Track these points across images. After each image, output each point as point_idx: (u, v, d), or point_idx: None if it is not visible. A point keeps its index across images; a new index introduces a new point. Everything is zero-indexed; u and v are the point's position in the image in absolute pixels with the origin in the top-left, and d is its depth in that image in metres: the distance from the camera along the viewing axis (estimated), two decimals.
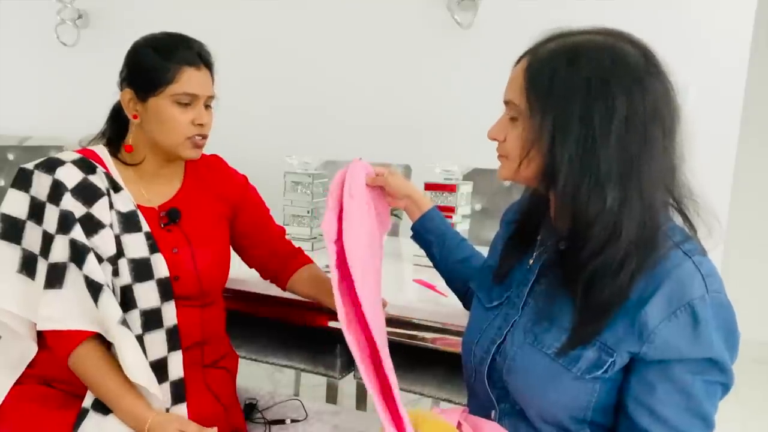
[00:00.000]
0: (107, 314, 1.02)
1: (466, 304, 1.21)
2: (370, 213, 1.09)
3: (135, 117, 1.15)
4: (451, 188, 1.67)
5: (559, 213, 0.82)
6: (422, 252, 1.23)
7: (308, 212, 1.85)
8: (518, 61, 0.85)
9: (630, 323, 0.77)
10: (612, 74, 0.76)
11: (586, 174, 0.76)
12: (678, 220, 0.83)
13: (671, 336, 0.75)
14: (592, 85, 0.76)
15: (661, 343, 0.76)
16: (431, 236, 1.18)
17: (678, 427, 0.77)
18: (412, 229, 1.21)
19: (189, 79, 1.12)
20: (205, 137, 1.17)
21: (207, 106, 1.17)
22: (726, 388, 0.79)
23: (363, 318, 0.90)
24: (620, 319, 0.78)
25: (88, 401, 1.04)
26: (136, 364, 1.02)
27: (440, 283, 1.42)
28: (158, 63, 1.11)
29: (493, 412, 0.93)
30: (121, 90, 1.16)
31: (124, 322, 1.03)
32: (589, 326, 0.79)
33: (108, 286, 1.04)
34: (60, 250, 1.04)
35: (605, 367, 0.79)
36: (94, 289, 1.02)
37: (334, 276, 0.92)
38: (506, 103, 0.86)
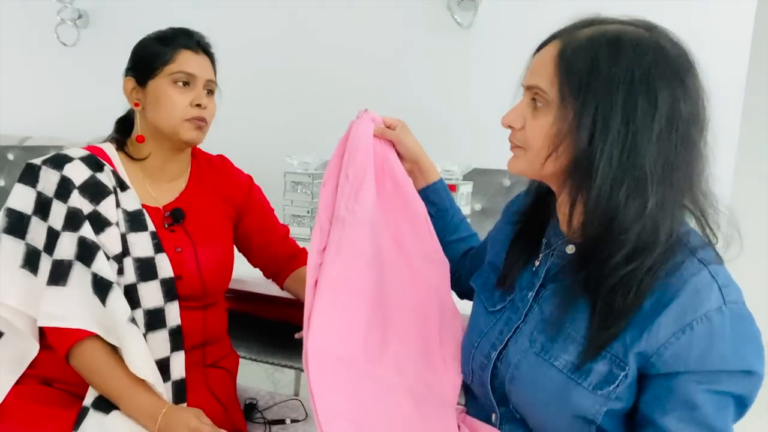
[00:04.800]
0: (116, 312, 1.02)
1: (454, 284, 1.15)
2: (385, 181, 1.01)
3: (137, 105, 1.17)
4: (451, 188, 1.67)
5: (589, 215, 0.75)
6: None
7: (308, 212, 1.85)
8: (544, 45, 0.80)
9: (641, 332, 0.73)
10: (655, 70, 0.72)
11: (627, 173, 0.71)
12: (692, 224, 0.79)
13: (682, 349, 0.71)
14: (635, 79, 0.71)
15: (670, 356, 0.71)
16: (432, 209, 1.12)
17: None
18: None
19: (186, 60, 1.14)
20: (205, 121, 1.17)
21: (209, 93, 1.18)
22: (740, 400, 0.72)
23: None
24: (632, 329, 0.74)
25: (88, 400, 1.04)
26: (143, 362, 1.02)
27: None
28: (158, 49, 1.15)
29: (493, 416, 0.90)
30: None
31: (133, 320, 1.03)
32: (609, 329, 0.74)
33: (118, 284, 1.04)
34: (67, 248, 1.04)
35: (617, 382, 0.74)
36: (103, 286, 1.02)
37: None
38: (529, 88, 0.79)
